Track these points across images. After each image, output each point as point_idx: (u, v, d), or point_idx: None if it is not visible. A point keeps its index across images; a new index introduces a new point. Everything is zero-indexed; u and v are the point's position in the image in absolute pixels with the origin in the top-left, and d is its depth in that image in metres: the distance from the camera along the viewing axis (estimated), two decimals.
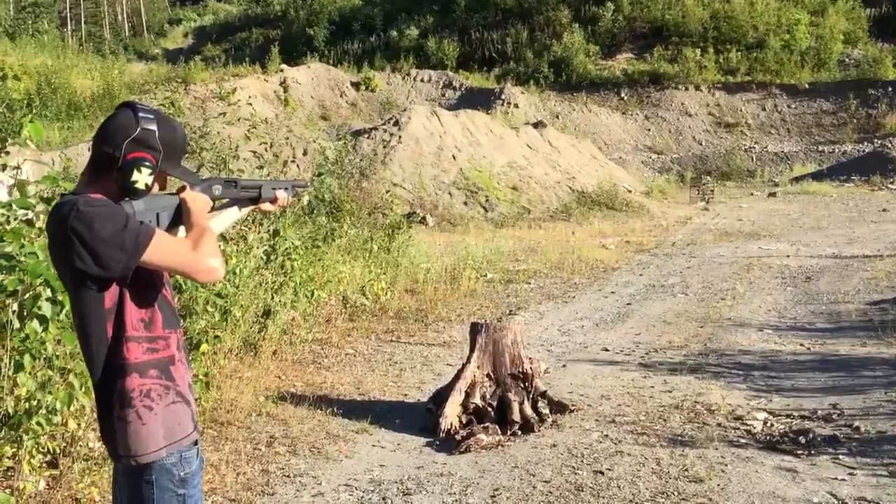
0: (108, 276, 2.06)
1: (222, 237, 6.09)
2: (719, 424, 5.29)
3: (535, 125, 26.11)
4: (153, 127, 2.16)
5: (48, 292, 3.49)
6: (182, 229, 2.28)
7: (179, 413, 2.24)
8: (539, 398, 5.44)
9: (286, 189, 2.69)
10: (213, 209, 2.44)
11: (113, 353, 2.14)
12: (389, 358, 7.18)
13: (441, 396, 5.41)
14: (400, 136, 21.38)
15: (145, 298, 2.17)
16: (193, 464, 2.26)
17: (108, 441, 2.20)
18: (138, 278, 2.13)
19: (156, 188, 2.25)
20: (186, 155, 2.47)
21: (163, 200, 2.28)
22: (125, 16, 64.06)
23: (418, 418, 5.41)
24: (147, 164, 2.14)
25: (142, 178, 2.13)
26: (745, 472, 4.48)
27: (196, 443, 2.31)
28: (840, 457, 4.67)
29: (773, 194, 25.88)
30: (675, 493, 4.19)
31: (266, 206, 2.66)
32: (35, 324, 3.59)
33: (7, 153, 3.78)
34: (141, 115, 2.15)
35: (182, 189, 2.32)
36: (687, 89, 34.74)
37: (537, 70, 36.44)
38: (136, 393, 2.15)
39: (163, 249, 2.07)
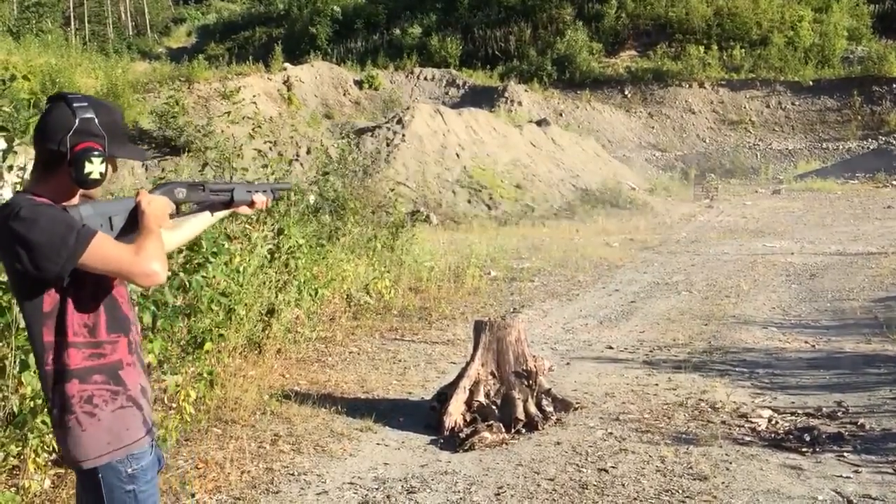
0: (43, 277, 2.05)
1: (227, 237, 6.10)
2: (724, 422, 5.28)
3: (539, 123, 26.10)
4: (91, 115, 2.12)
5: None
6: None
7: (128, 418, 2.21)
8: (543, 396, 5.44)
9: (265, 192, 2.63)
10: (178, 213, 2.39)
11: (55, 358, 2.12)
12: (393, 356, 7.19)
13: (445, 394, 5.41)
14: (403, 135, 21.38)
15: (89, 303, 2.15)
16: (143, 460, 2.23)
17: (58, 443, 2.22)
18: (82, 282, 2.11)
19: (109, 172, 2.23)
20: (128, 134, 2.42)
21: (116, 205, 2.24)
22: (129, 15, 64.13)
23: (422, 416, 5.41)
24: (96, 152, 2.10)
25: (95, 167, 2.10)
26: (749, 469, 4.47)
27: (152, 443, 2.29)
28: (845, 454, 4.66)
29: (777, 192, 25.83)
30: (680, 491, 4.19)
31: (243, 210, 2.61)
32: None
33: (14, 153, 3.79)
34: (76, 105, 2.12)
35: (139, 193, 2.29)
36: (691, 87, 34.67)
37: (541, 68, 36.38)
38: (76, 399, 2.13)
39: (101, 253, 2.05)
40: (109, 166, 2.18)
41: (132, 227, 2.22)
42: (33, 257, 2.01)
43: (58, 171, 2.12)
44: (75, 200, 2.19)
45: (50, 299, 2.10)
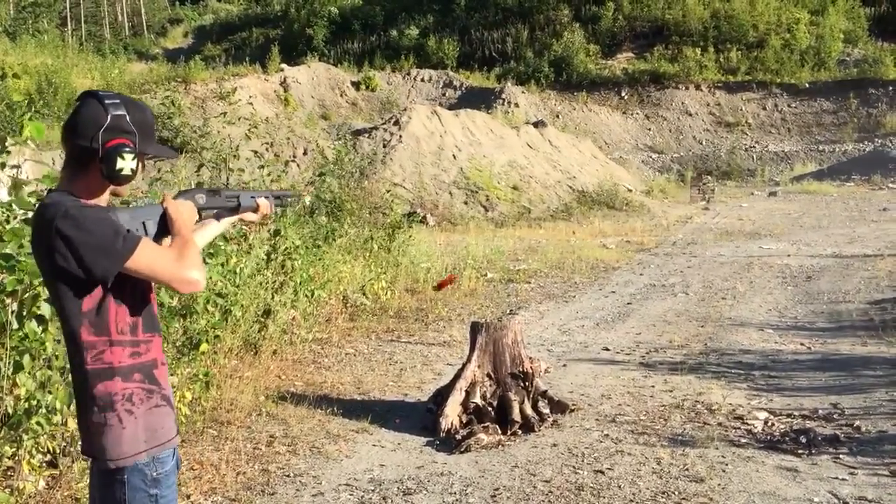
0: (90, 279, 2.06)
1: (223, 237, 6.09)
2: (720, 424, 5.28)
3: (536, 124, 26.11)
4: (122, 111, 2.14)
5: (47, 292, 3.48)
6: (168, 239, 2.27)
7: (163, 416, 2.23)
8: (539, 398, 5.44)
9: (267, 198, 2.65)
10: (199, 219, 2.42)
11: (96, 357, 2.13)
12: (389, 357, 7.18)
13: (441, 396, 5.41)
14: (400, 136, 21.37)
15: (131, 302, 2.16)
16: (167, 464, 2.23)
17: (87, 441, 2.19)
18: (127, 283, 2.12)
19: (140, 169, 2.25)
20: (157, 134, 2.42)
21: (148, 210, 2.27)
22: (125, 15, 64.04)
23: (418, 418, 5.41)
24: (128, 149, 2.11)
25: (126, 164, 2.12)
26: (745, 471, 4.47)
27: (174, 446, 2.29)
28: (841, 456, 4.67)
29: (773, 194, 25.88)
30: (676, 493, 4.19)
31: (248, 216, 2.62)
32: (34, 324, 3.59)
33: (8, 153, 3.78)
34: (107, 101, 2.14)
35: (165, 199, 2.31)
36: (687, 89, 34.75)
37: (538, 69, 36.44)
38: (118, 397, 2.14)
39: (147, 258, 2.07)
40: (140, 163, 2.20)
41: (162, 233, 2.26)
42: (81, 258, 2.03)
43: (89, 167, 2.13)
44: (105, 196, 2.20)
45: (91, 299, 2.11)
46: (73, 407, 3.75)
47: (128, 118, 2.14)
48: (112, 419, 2.13)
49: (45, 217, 2.07)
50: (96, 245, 2.02)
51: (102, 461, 2.15)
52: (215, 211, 2.52)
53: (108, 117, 2.11)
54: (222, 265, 5.83)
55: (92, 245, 2.02)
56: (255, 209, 2.61)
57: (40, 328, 3.60)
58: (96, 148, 2.10)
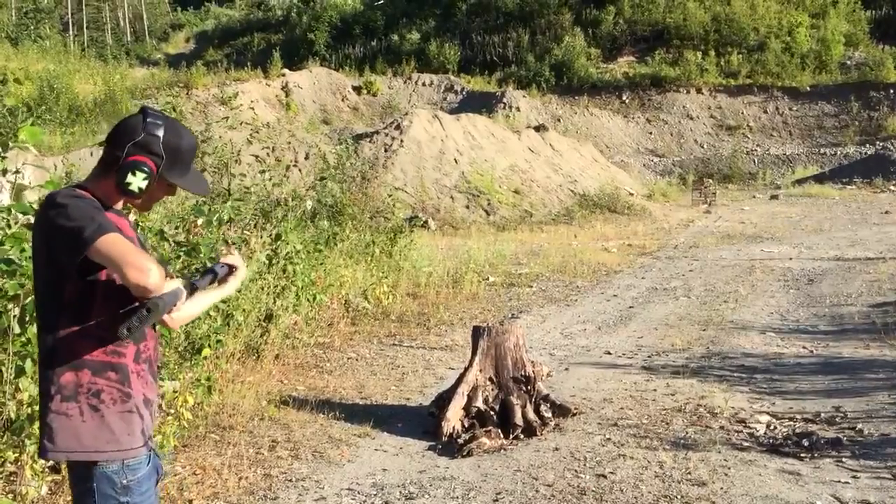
0: (61, 264, 2.07)
1: (225, 242, 6.10)
2: (722, 427, 5.28)
3: (537, 128, 26.10)
4: (159, 133, 2.18)
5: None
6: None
7: (132, 423, 2.19)
8: (541, 401, 5.44)
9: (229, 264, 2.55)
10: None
11: (68, 346, 2.12)
12: (391, 362, 7.18)
13: (443, 400, 5.41)
14: (401, 140, 21.38)
15: (117, 300, 2.13)
16: (139, 471, 2.20)
17: (43, 435, 2.15)
18: (112, 279, 2.12)
19: (158, 190, 2.27)
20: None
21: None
22: (127, 21, 64.16)
23: (420, 422, 5.41)
24: (144, 168, 2.16)
25: (135, 181, 2.16)
26: (748, 475, 4.46)
27: (148, 454, 2.25)
28: (843, 460, 4.66)
29: (775, 197, 25.85)
30: (678, 497, 4.18)
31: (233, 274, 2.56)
32: (36, 328, 3.59)
33: (5, 157, 3.79)
34: (149, 119, 2.19)
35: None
36: (688, 92, 34.74)
37: (538, 73, 36.44)
38: (83, 389, 2.12)
39: (108, 244, 2.01)
40: (161, 189, 2.26)
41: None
42: (56, 243, 2.07)
43: (111, 173, 2.19)
44: (119, 206, 2.27)
45: (73, 289, 2.11)
46: None
47: (161, 140, 2.18)
48: (73, 410, 2.12)
49: (43, 204, 2.15)
50: (70, 229, 2.03)
51: (54, 454, 2.13)
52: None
53: (142, 134, 2.17)
54: None
55: (66, 229, 2.03)
56: (231, 270, 2.52)
57: None
58: (119, 156, 2.16)
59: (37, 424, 3.63)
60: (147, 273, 1.99)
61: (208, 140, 8.32)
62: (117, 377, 2.17)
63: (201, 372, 5.20)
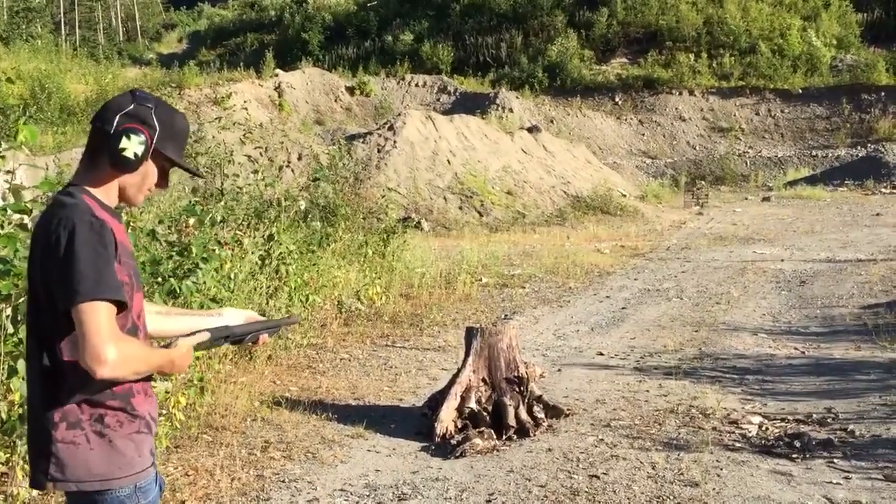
0: (49, 287, 1.95)
1: (218, 242, 6.09)
2: (714, 428, 5.30)
3: (530, 130, 26.13)
4: (150, 105, 2.08)
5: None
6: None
7: (142, 444, 2.08)
8: (534, 402, 5.44)
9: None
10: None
11: (71, 372, 1.96)
12: (384, 362, 7.17)
13: (436, 401, 5.41)
14: (395, 141, 21.38)
15: (122, 320, 2.00)
16: (150, 493, 2.10)
17: (48, 464, 2.00)
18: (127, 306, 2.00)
19: (152, 170, 2.12)
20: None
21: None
22: (119, 20, 63.98)
23: (413, 423, 5.41)
24: (139, 133, 2.02)
25: (131, 145, 2.01)
26: (740, 476, 4.48)
27: (155, 472, 2.16)
28: (835, 460, 4.68)
29: (767, 199, 25.92)
30: (671, 497, 4.19)
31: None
32: (27, 333, 3.57)
33: (2, 157, 3.78)
34: (139, 94, 2.10)
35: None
36: (681, 94, 34.81)
37: (532, 75, 36.45)
38: (85, 416, 1.99)
39: (87, 313, 1.86)
40: (158, 168, 2.12)
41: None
42: (51, 277, 1.93)
43: (102, 154, 2.04)
44: (114, 190, 2.10)
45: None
46: None
47: (153, 113, 2.07)
48: (79, 438, 1.98)
49: (53, 212, 1.99)
50: (68, 274, 1.88)
51: (62, 483, 1.99)
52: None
53: (133, 105, 2.06)
54: (216, 270, 5.83)
55: (64, 269, 1.89)
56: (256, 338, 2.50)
57: None
58: (109, 129, 2.02)
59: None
60: (101, 365, 1.85)
61: (201, 140, 8.32)
62: (118, 403, 2.03)
63: (194, 372, 5.19)
